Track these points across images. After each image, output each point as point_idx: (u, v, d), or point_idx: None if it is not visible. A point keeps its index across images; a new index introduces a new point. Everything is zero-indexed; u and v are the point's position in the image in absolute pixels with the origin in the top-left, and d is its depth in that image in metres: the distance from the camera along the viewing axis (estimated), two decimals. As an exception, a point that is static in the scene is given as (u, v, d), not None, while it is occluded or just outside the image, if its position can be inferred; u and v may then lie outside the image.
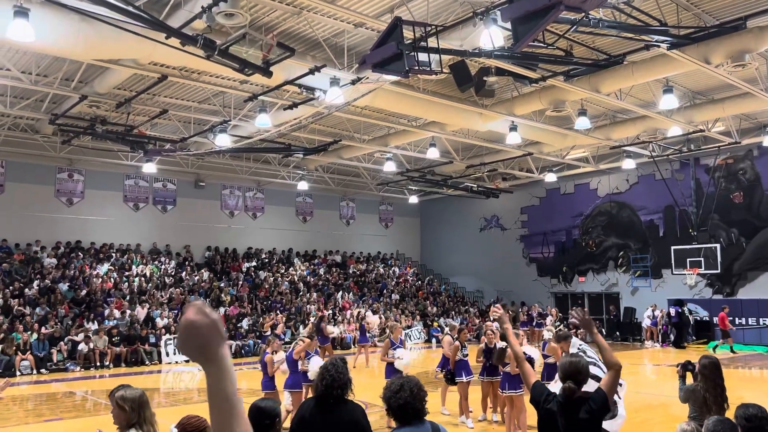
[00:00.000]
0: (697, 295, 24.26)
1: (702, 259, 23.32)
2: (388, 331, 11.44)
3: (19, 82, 15.03)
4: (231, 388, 1.43)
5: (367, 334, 21.03)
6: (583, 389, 4.08)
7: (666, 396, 13.05)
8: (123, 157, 22.92)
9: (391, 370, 10.30)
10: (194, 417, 3.62)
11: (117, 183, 25.63)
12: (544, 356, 9.96)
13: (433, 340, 26.15)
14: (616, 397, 5.43)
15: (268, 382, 9.71)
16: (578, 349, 6.90)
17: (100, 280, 22.88)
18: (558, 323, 25.95)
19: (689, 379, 6.08)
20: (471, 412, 10.63)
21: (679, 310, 23.37)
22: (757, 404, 4.04)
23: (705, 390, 5.54)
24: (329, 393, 3.98)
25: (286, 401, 9.45)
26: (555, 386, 6.77)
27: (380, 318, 26.76)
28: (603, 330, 26.70)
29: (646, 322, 24.68)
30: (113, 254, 24.80)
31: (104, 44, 11.71)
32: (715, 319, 23.40)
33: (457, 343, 10.68)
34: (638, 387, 15.05)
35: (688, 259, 23.65)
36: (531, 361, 9.42)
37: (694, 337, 23.61)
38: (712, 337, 23.16)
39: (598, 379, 5.53)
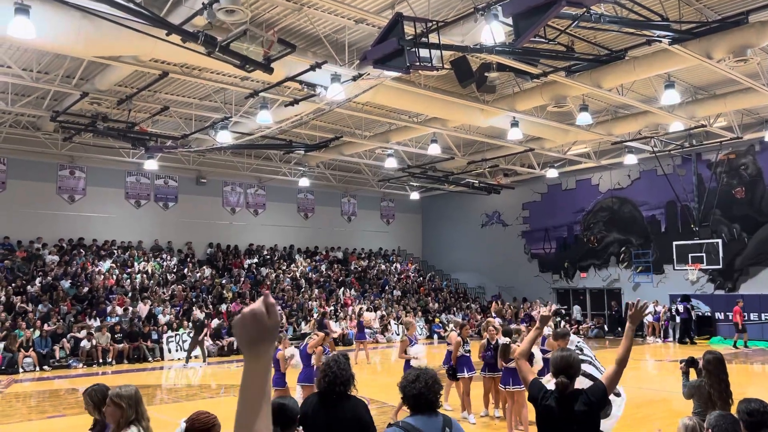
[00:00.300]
0: (698, 290, 24.26)
1: (704, 254, 23.32)
2: (403, 328, 11.56)
3: (20, 80, 15.04)
4: (266, 386, 1.49)
5: (366, 331, 21.17)
6: (575, 386, 4.10)
7: (668, 391, 13.08)
8: (124, 154, 22.93)
9: (407, 367, 10.34)
10: (203, 413, 3.65)
11: (118, 180, 25.65)
12: (543, 351, 9.98)
13: (435, 336, 26.22)
14: (612, 397, 5.44)
15: (279, 379, 9.80)
16: (576, 346, 6.93)
17: (102, 277, 22.93)
18: (558, 319, 26.02)
19: (692, 376, 6.08)
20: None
21: (688, 306, 23.35)
22: (759, 399, 4.05)
23: (709, 385, 5.54)
24: (332, 389, 4.01)
25: (297, 395, 9.49)
26: (546, 381, 6.80)
27: (382, 314, 26.80)
28: (605, 326, 26.75)
29: (647, 318, 24.69)
30: (115, 251, 24.84)
31: (105, 41, 11.70)
32: (717, 315, 23.45)
33: (459, 338, 10.69)
34: (640, 382, 15.07)
35: (689, 255, 23.65)
36: (530, 358, 9.45)
37: (695, 334, 23.57)
38: (714, 333, 23.16)
39: (591, 377, 5.54)
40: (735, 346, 21.02)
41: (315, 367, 9.57)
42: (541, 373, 9.40)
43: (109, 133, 18.43)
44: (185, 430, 3.62)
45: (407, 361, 10.47)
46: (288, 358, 9.76)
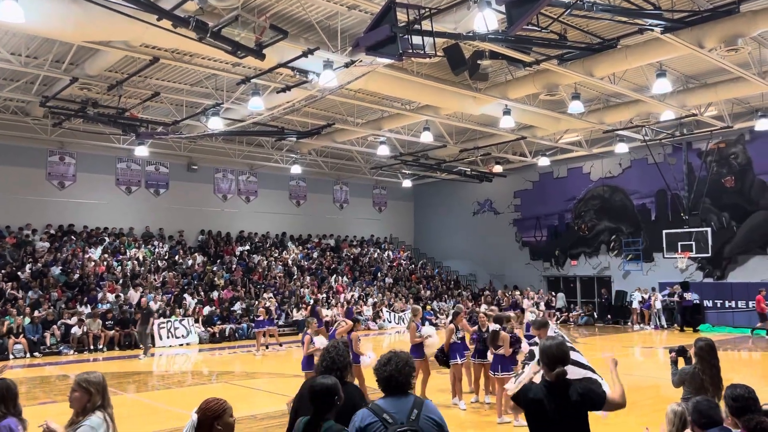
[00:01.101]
0: (687, 278, 24.47)
1: (693, 242, 23.47)
2: (410, 315, 11.71)
3: (8, 64, 14.88)
4: None
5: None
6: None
7: (656, 378, 13.24)
8: (115, 140, 22.79)
9: (415, 351, 10.44)
10: (213, 400, 3.67)
11: (109, 166, 25.49)
12: (528, 337, 10.07)
13: (426, 323, 26.31)
14: (600, 379, 5.50)
15: (307, 362, 9.95)
16: (554, 332, 6.98)
17: (93, 263, 22.85)
18: (539, 302, 26.23)
19: (680, 364, 6.15)
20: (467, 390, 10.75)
21: (692, 293, 23.47)
22: (744, 384, 4.13)
23: (702, 371, 5.62)
24: (329, 374, 4.06)
25: None
26: (535, 371, 6.81)
27: (374, 301, 26.89)
28: (595, 314, 26.97)
29: (635, 305, 24.88)
30: (106, 238, 24.74)
31: (94, 26, 11.59)
32: (706, 303, 23.68)
33: (451, 325, 10.77)
34: (629, 369, 15.23)
35: (679, 243, 23.78)
36: (518, 345, 9.54)
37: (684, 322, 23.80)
38: (703, 320, 23.40)
39: (579, 364, 5.56)
40: (767, 334, 20.75)
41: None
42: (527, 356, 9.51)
43: (99, 119, 18.30)
44: (198, 420, 3.62)
45: (414, 347, 10.53)
46: (318, 344, 9.94)
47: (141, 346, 18.48)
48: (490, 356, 9.81)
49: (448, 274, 33.37)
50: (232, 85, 17.10)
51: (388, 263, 32.42)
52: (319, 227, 32.17)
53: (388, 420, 3.51)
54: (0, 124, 21.01)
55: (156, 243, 26.00)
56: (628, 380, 13.02)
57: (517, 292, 27.84)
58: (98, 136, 22.19)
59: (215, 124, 18.22)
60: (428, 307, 27.27)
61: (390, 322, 26.33)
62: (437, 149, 25.47)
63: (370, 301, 26.90)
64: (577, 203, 28.83)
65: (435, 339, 10.60)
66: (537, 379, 7.00)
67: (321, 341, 10.14)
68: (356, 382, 9.17)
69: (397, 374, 3.67)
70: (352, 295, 26.83)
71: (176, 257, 25.75)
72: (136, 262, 24.12)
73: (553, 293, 28.57)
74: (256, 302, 23.13)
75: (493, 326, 9.82)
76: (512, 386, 7.36)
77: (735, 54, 14.24)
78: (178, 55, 14.95)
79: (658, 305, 24.10)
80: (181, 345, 20.52)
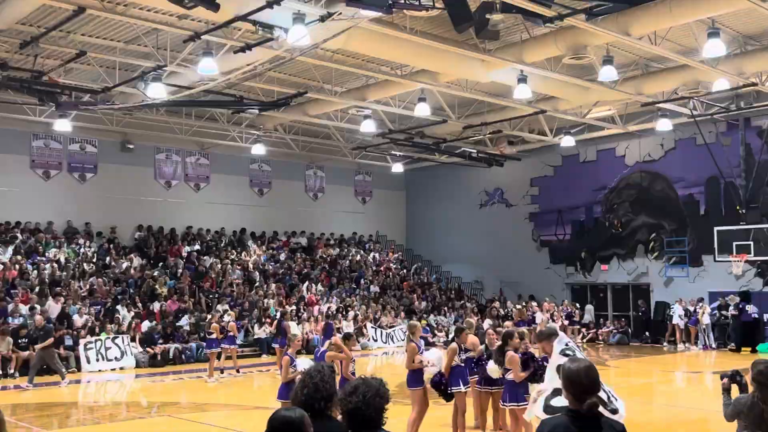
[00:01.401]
0: (744, 286, 24.72)
1: (751, 242, 23.70)
2: (407, 332, 11.43)
3: None
4: None
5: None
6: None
7: (703, 410, 13.40)
8: (29, 112, 22.59)
9: (413, 378, 10.37)
10: None
11: (21, 144, 25.29)
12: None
13: (422, 342, 26.40)
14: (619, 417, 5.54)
15: (285, 390, 9.95)
16: (566, 345, 6.98)
17: (2, 267, 22.69)
18: (555, 316, 26.40)
19: (734, 393, 6.19)
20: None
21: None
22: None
23: (762, 401, 5.62)
24: (310, 404, 3.96)
25: None
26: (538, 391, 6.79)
27: (356, 313, 26.95)
28: (629, 330, 27.17)
29: (675, 320, 24.98)
30: (18, 235, 24.58)
31: (4, -34, 11.48)
32: (766, 317, 23.94)
33: (454, 344, 10.75)
34: (670, 399, 15.41)
35: (734, 243, 24.02)
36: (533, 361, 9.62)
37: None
38: (762, 339, 23.65)
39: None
40: None
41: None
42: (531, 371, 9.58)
43: (9, 85, 18.17)
44: None
45: (413, 373, 10.44)
46: (294, 369, 9.95)
47: (61, 371, 18.17)
48: (493, 370, 9.76)
49: (449, 282, 33.54)
50: (177, 44, 17.01)
51: (374, 267, 32.49)
52: (288, 222, 32.18)
53: None
54: None
55: (81, 241, 25.88)
56: (670, 412, 13.23)
57: (534, 304, 27.98)
58: (8, 107, 21.99)
59: (156, 91, 18.15)
60: (424, 322, 27.39)
61: (376, 340, 26.39)
62: (435, 125, 25.51)
63: (351, 314, 26.94)
64: (609, 193, 29.02)
65: (437, 368, 10.49)
66: (539, 399, 7.03)
67: (304, 363, 10.09)
68: None
69: (364, 407, 3.67)
70: (329, 308, 26.85)
71: (107, 259, 25.64)
72: (56, 266, 23.99)
73: (578, 305, 28.70)
74: (209, 316, 23.07)
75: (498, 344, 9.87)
76: (529, 416, 7.39)
77: (806, 9, 14.37)
78: (109, 5, 14.85)
79: (707, 320, 24.33)
80: (114, 369, 20.44)
